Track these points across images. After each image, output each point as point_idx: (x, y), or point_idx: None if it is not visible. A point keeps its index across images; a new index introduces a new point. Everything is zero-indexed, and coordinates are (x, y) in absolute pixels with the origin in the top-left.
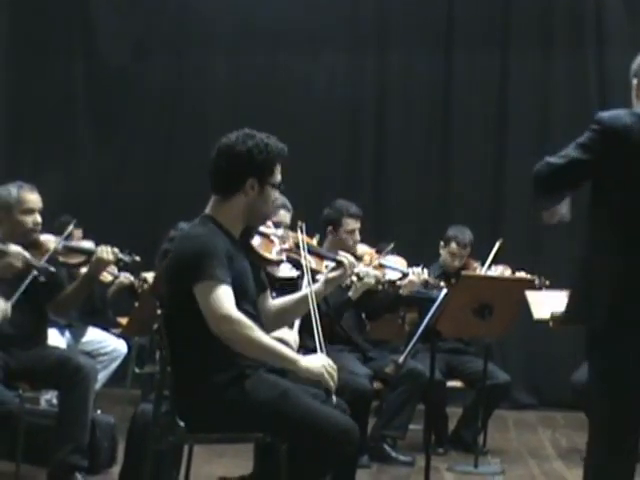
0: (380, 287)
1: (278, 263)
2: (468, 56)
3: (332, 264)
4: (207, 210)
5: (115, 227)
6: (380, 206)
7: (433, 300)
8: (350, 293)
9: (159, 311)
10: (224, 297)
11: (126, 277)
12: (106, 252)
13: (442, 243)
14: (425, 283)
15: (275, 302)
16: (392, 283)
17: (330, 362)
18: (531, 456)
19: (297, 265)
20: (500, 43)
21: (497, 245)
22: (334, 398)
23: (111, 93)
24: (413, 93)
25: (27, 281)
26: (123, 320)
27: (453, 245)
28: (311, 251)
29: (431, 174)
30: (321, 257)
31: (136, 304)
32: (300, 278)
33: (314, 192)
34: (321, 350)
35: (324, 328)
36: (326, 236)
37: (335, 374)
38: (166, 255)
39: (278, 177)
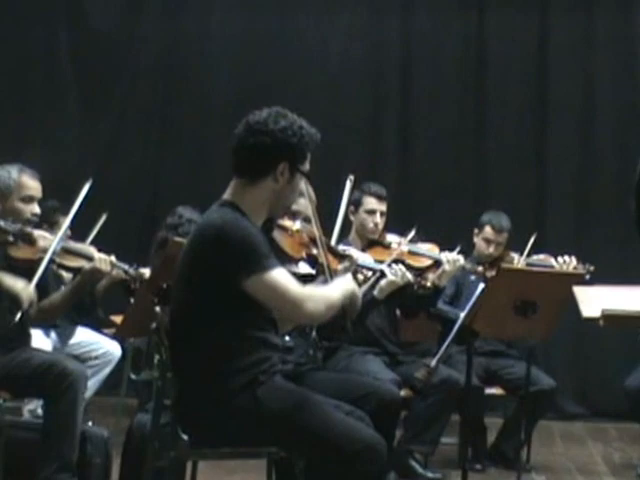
0: (413, 287)
1: (298, 261)
2: (503, 17)
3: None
4: (227, 195)
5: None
6: (406, 187)
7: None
8: (375, 292)
9: (157, 308)
10: (289, 281)
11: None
12: (104, 263)
13: (476, 230)
14: (462, 269)
15: None
16: (422, 277)
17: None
18: (580, 473)
19: (313, 262)
20: (539, 3)
21: (532, 240)
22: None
23: (99, 62)
24: (442, 58)
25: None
26: (117, 319)
27: (488, 229)
28: (325, 248)
29: (463, 151)
30: (335, 255)
31: (131, 301)
32: (317, 275)
33: (331, 172)
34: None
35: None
36: (352, 222)
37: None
38: (163, 244)
39: (308, 165)
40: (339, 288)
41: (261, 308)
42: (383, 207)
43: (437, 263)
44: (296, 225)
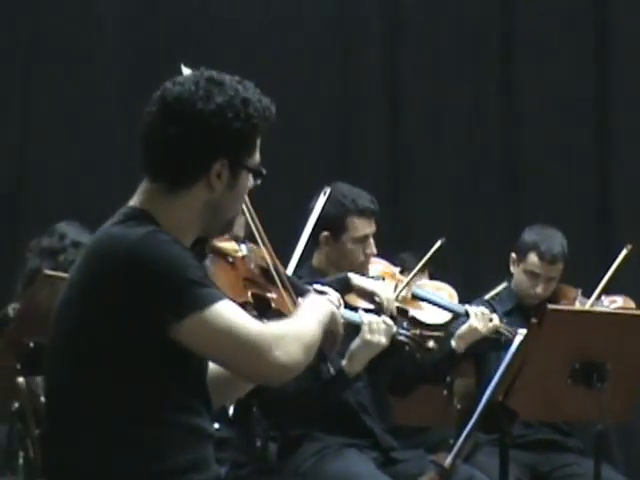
0: (407, 347)
1: (243, 305)
2: None
3: None
4: (136, 202)
5: None
6: (400, 195)
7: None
8: (343, 362)
9: (21, 379)
10: (243, 317)
11: None
12: None
13: (513, 256)
14: (495, 332)
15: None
16: (423, 339)
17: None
18: None
19: (264, 307)
20: None
21: (621, 256)
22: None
23: None
24: (446, 18)
25: None
26: None
27: (533, 258)
28: (285, 283)
29: (485, 142)
30: (297, 293)
31: None
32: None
33: (292, 177)
34: None
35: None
36: (317, 247)
37: None
38: (33, 277)
39: (258, 157)
40: (313, 314)
41: (191, 377)
42: (374, 227)
43: (455, 317)
44: (242, 250)
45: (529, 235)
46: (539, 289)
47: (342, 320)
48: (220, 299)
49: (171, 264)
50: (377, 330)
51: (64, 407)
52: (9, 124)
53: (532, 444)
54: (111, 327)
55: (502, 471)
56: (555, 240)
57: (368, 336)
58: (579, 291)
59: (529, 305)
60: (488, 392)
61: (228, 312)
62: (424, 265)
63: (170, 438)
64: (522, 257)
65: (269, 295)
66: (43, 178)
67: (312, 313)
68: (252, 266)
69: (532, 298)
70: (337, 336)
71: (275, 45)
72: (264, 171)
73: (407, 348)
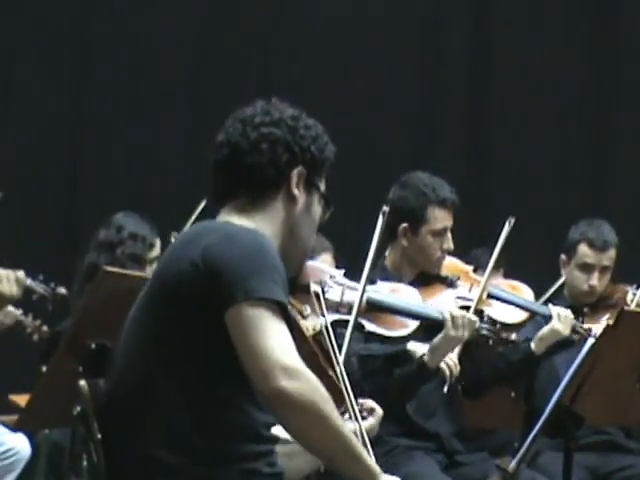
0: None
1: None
2: None
3: None
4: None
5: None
6: (478, 190)
7: None
8: (426, 358)
9: (82, 382)
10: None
11: (30, 322)
12: (7, 282)
13: (563, 257)
14: (572, 330)
15: None
16: (504, 332)
17: None
18: None
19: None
20: None
21: None
22: None
23: None
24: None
25: None
26: (20, 400)
27: (584, 249)
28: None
29: (572, 137)
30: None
31: (43, 369)
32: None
33: (370, 172)
34: None
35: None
36: (393, 242)
37: None
38: (93, 273)
39: (324, 186)
40: (365, 453)
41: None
42: (452, 221)
43: (531, 317)
44: (307, 310)
45: (575, 231)
46: (594, 280)
47: None
48: (283, 318)
49: (264, 261)
50: (461, 325)
51: (134, 410)
52: (63, 123)
53: (592, 445)
54: (203, 321)
55: (565, 476)
56: (603, 228)
57: (452, 332)
58: (634, 287)
59: (583, 305)
60: (556, 395)
61: (279, 320)
62: (500, 251)
63: (246, 430)
64: (572, 253)
65: (325, 367)
66: (94, 178)
67: (363, 456)
68: (309, 332)
69: (588, 295)
70: None
71: (358, 42)
72: (331, 206)
73: (490, 342)
